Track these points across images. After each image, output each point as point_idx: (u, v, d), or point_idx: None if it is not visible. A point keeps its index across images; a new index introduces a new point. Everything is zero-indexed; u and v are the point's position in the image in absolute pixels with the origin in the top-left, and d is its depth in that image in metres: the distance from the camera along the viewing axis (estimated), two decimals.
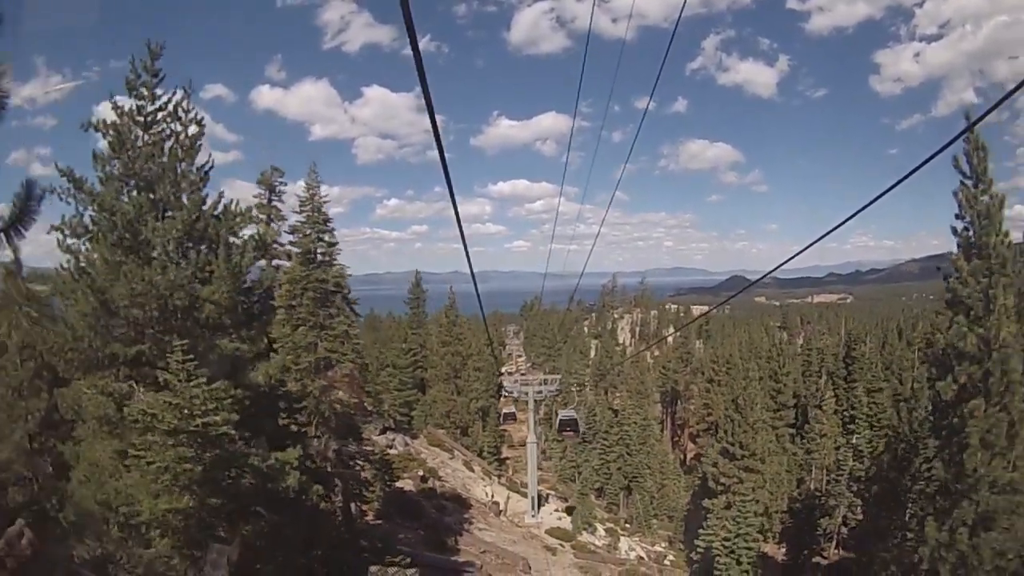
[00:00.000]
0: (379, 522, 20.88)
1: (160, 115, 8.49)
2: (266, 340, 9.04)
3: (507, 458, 46.49)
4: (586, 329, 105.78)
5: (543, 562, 24.11)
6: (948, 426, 11.23)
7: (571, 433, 35.57)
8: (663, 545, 37.88)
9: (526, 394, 35.02)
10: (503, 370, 76.34)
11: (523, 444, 39.98)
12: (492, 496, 32.90)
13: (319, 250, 14.21)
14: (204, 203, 7.98)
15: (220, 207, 8.00)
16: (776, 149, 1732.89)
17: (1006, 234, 11.77)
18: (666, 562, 33.87)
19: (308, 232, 14.02)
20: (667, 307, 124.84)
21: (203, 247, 7.62)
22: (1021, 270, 12.00)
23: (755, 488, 30.38)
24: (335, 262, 14.40)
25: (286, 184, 19.66)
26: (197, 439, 6.47)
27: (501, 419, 38.14)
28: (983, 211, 11.70)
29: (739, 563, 24.16)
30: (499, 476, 39.28)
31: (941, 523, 10.55)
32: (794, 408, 43.69)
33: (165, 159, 8.30)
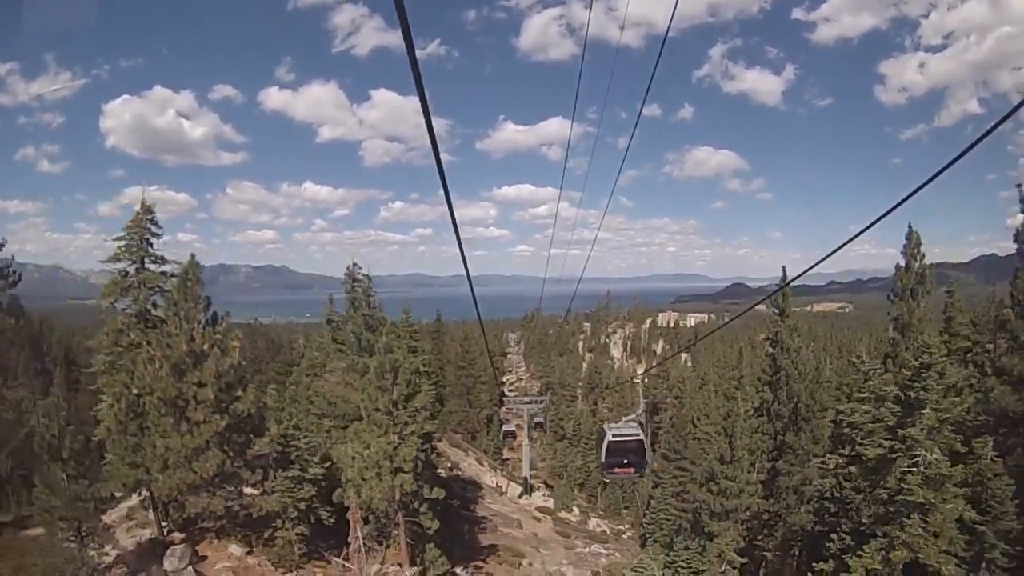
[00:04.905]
0: None
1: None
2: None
3: (508, 459, 58.79)
4: (581, 343, 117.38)
5: (531, 525, 36.41)
6: None
7: (540, 429, 52.96)
8: (626, 526, 50.01)
9: (522, 409, 47.61)
10: (504, 379, 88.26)
11: (520, 449, 52.24)
12: (496, 483, 45.31)
13: (410, 345, 26.48)
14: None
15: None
16: (781, 157, 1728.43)
17: None
18: (624, 536, 46.04)
19: (405, 337, 26.30)
20: (658, 320, 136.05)
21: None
22: None
23: (684, 483, 42.51)
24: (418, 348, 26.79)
25: (365, 273, 31.99)
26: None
27: (502, 437, 49.94)
28: None
29: (661, 528, 36.28)
30: (501, 470, 51.65)
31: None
32: None
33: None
